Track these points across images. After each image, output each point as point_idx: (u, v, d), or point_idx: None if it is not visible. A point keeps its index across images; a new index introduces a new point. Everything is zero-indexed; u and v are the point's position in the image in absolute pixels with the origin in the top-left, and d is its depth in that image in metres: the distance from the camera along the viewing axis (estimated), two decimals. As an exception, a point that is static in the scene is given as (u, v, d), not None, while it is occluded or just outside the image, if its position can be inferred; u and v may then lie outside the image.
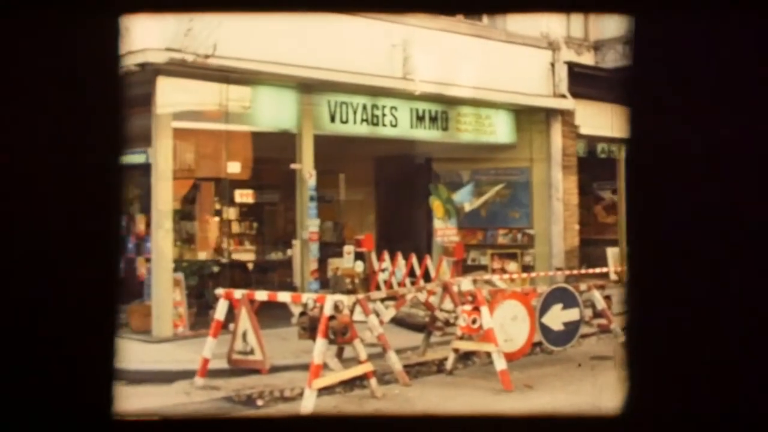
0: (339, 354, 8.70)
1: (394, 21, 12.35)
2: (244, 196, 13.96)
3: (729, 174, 1.21)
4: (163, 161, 11.07)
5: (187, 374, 8.74)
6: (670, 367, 1.23)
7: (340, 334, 7.98)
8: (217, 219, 13.50)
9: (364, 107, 13.37)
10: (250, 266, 14.10)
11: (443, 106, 14.45)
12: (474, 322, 8.89)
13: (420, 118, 14.22)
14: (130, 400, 8.17)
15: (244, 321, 8.59)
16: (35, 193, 1.23)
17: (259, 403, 8.06)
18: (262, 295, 8.95)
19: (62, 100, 1.23)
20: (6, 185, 1.22)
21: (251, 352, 8.56)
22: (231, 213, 14.11)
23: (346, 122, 13.16)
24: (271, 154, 13.38)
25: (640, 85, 1.22)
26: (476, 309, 8.87)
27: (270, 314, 9.94)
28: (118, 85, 1.28)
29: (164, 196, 11.10)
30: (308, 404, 7.44)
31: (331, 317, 7.90)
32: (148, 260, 11.34)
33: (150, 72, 10.92)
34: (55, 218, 1.23)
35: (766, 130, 1.20)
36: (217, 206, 13.55)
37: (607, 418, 1.27)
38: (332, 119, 12.99)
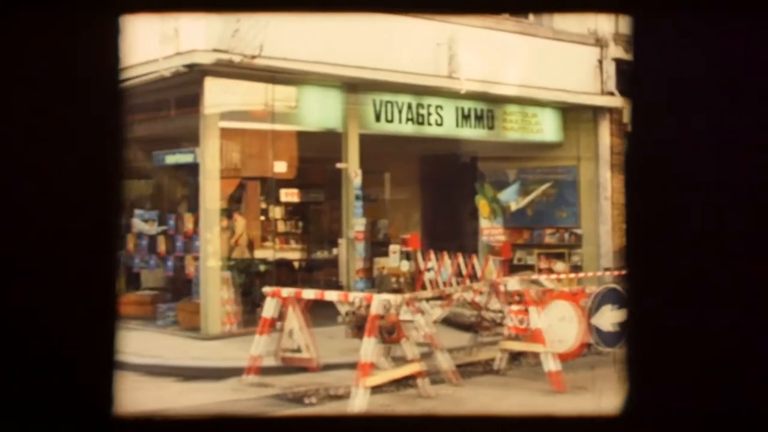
0: (386, 353, 8.68)
1: (439, 19, 12.30)
2: (289, 195, 14.04)
3: (729, 172, 1.21)
4: (210, 161, 11.18)
5: (237, 371, 8.80)
6: (670, 367, 1.22)
7: (388, 333, 7.96)
8: (262, 218, 13.59)
9: (410, 106, 13.34)
10: (296, 265, 14.17)
11: (489, 105, 14.35)
12: (522, 322, 8.79)
13: (466, 117, 14.14)
14: (182, 396, 8.27)
15: (292, 319, 8.62)
16: (36, 192, 1.22)
17: (310, 401, 8.08)
18: (309, 294, 8.98)
19: (62, 100, 1.23)
20: (6, 184, 1.21)
21: (299, 350, 8.60)
22: (277, 212, 14.19)
23: (391, 121, 13.14)
24: (317, 153, 13.43)
25: (640, 84, 1.23)
26: (524, 309, 8.78)
27: (317, 313, 9.97)
28: (118, 84, 1.25)
29: (212, 195, 11.20)
30: (359, 403, 7.43)
31: (380, 316, 7.89)
32: (196, 258, 11.45)
33: (197, 73, 11.04)
34: (54, 217, 1.23)
35: (766, 128, 1.20)
36: (263, 205, 13.64)
37: (607, 418, 1.27)
38: (377, 118, 12.98)
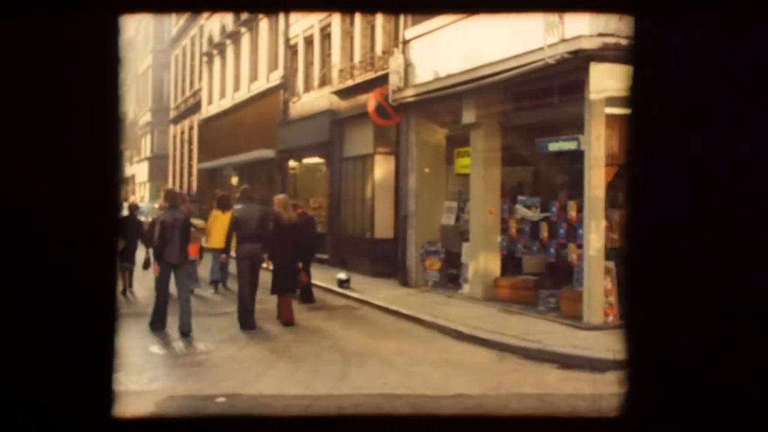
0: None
1: None
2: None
3: (730, 171, 1.22)
4: (596, 148, 11.02)
5: (620, 365, 8.56)
6: (670, 366, 1.23)
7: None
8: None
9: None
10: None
11: None
12: None
13: None
14: (563, 384, 8.29)
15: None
16: (35, 191, 1.21)
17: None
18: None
19: (61, 100, 1.20)
20: (5, 184, 1.20)
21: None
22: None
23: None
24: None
25: (641, 84, 1.23)
26: None
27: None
28: (116, 84, 1.21)
29: (597, 182, 11.04)
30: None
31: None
32: (579, 246, 11.39)
33: (582, 59, 10.95)
34: (54, 216, 1.21)
35: (767, 126, 1.21)
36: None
37: (607, 418, 1.29)
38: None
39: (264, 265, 11.64)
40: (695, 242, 1.23)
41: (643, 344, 1.27)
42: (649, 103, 1.24)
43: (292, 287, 11.71)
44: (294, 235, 11.59)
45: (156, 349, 9.81)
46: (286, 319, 11.29)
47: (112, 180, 1.24)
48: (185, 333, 10.42)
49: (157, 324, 10.70)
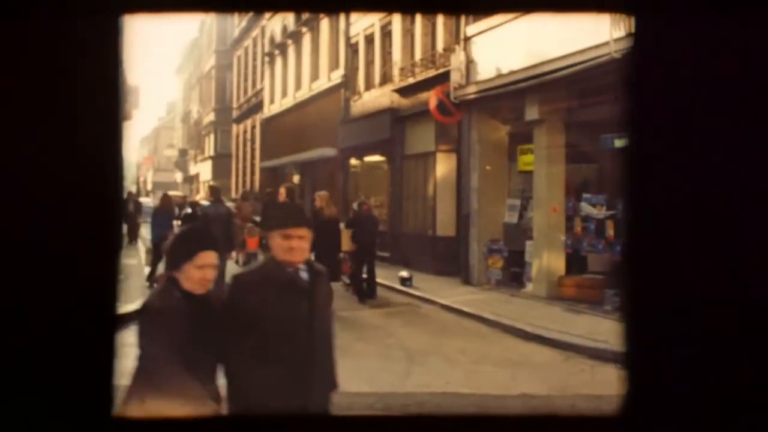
0: None
1: None
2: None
3: (729, 169, 1.22)
4: (658, 145, 10.80)
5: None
6: (670, 366, 1.23)
7: None
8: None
9: None
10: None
11: None
12: None
13: None
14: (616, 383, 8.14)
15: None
16: (36, 191, 1.20)
17: None
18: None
19: (62, 100, 1.20)
20: (7, 183, 1.20)
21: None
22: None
23: None
24: None
25: (642, 84, 1.25)
26: None
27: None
28: (118, 85, 1.20)
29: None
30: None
31: None
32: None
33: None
34: (54, 217, 1.20)
35: (765, 125, 1.21)
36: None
37: (607, 418, 1.30)
38: None
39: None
40: (696, 241, 1.23)
41: (644, 344, 1.26)
42: (650, 103, 1.24)
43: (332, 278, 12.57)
44: (333, 229, 12.33)
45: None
46: None
47: (114, 180, 1.24)
48: None
49: None
